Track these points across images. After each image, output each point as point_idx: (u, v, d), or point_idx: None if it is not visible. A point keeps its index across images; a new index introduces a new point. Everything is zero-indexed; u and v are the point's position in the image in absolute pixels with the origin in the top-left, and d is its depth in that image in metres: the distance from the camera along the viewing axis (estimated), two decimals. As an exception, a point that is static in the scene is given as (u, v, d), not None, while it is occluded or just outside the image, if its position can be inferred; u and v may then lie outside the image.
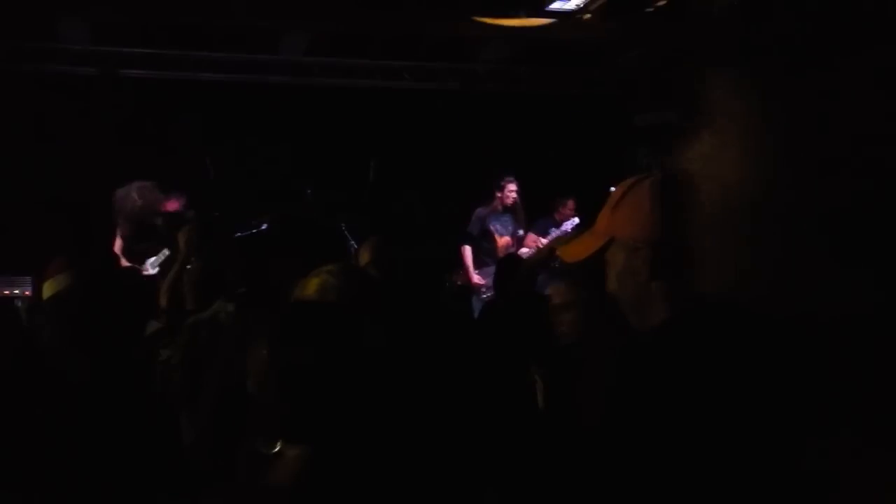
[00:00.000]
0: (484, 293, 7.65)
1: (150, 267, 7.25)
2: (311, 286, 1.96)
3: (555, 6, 7.58)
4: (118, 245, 7.32)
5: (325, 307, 1.77)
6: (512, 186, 8.13)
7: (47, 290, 2.95)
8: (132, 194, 6.98)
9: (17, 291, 7.21)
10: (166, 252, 7.50)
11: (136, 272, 7.09)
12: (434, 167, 9.88)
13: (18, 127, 8.33)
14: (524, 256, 7.79)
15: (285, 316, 1.58)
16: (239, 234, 6.51)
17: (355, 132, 9.38)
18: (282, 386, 1.49)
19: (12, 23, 8.20)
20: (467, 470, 1.60)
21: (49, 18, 8.24)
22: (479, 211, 8.11)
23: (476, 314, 6.46)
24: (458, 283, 7.86)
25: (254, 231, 7.34)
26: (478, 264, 7.98)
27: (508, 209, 8.13)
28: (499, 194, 8.14)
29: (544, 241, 8.11)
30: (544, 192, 8.93)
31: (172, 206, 7.72)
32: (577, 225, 8.19)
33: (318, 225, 6.88)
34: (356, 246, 8.24)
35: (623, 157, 9.13)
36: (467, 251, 7.96)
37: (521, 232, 8.17)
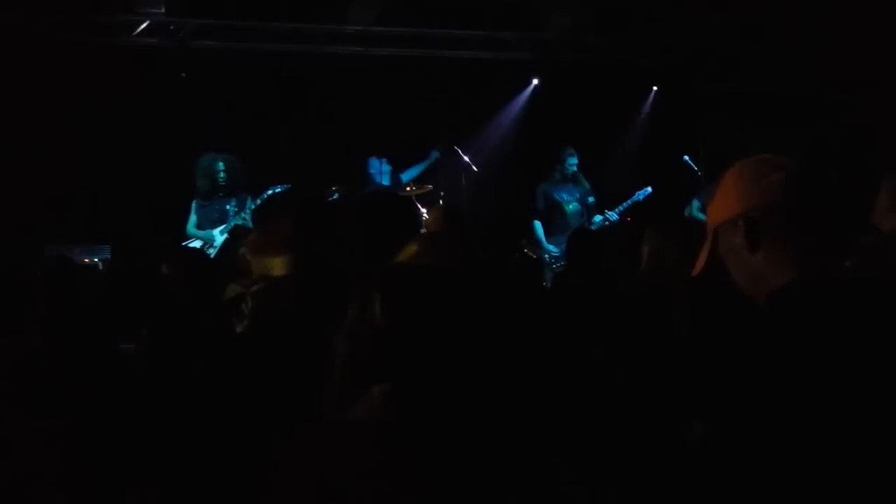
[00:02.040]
0: (555, 265, 7.62)
1: (219, 234, 7.40)
2: (410, 251, 2.18)
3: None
4: None
5: (423, 271, 1.85)
6: (572, 158, 8.07)
7: None
8: None
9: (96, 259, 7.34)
10: (234, 222, 7.63)
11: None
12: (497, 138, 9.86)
13: (91, 98, 8.48)
14: (595, 227, 7.74)
15: (387, 280, 1.65)
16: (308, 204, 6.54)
17: (422, 102, 9.34)
18: (377, 341, 1.54)
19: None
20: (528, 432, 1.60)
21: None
22: (542, 186, 8.08)
23: (548, 285, 6.42)
24: (531, 255, 7.83)
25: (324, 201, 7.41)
26: (548, 235, 7.96)
27: (569, 179, 8.07)
28: (558, 166, 8.08)
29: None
30: (613, 165, 8.82)
31: None
32: (649, 194, 8.08)
33: (387, 195, 6.87)
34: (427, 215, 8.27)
35: (695, 127, 8.91)
36: (537, 226, 7.97)
37: (591, 199, 8.11)
